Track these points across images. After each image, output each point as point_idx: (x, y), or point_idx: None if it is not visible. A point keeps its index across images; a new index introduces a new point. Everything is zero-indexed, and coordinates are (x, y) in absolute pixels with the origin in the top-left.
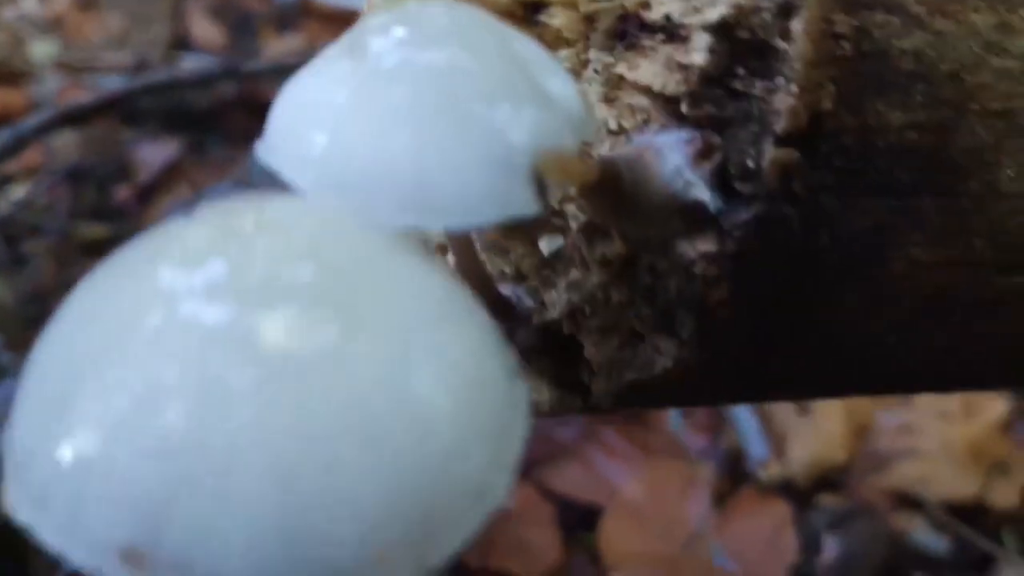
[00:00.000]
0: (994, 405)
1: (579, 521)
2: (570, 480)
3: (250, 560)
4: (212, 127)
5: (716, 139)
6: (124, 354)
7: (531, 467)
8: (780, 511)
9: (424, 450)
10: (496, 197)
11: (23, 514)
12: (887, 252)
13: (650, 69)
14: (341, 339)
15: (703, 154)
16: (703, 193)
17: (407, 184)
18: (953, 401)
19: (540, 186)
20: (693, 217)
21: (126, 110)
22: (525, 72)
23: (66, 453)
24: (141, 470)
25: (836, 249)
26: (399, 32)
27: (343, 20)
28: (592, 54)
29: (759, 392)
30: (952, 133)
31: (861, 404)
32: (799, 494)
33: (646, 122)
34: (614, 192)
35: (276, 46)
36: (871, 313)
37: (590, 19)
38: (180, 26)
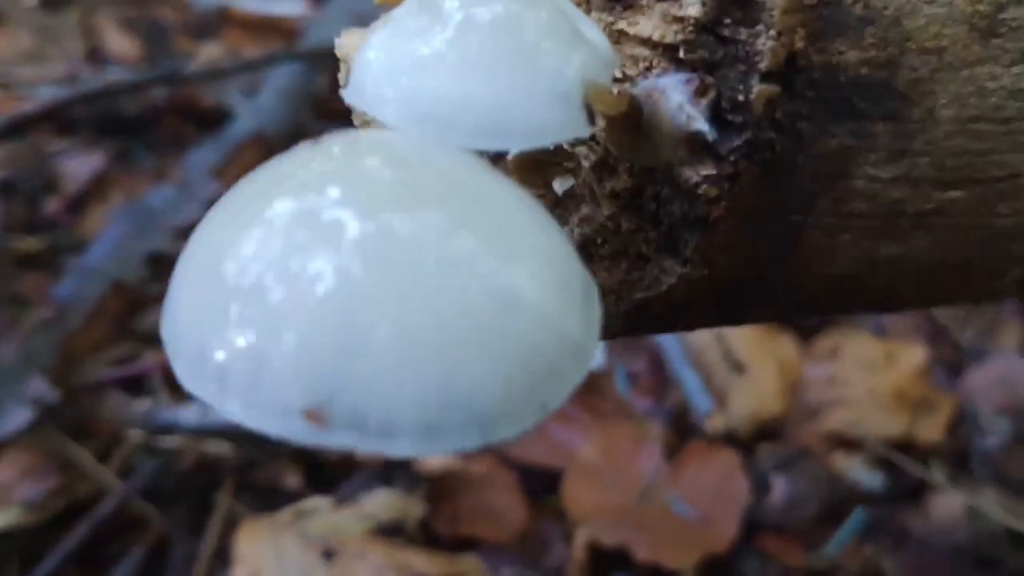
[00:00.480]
0: (913, 353)
1: (542, 486)
2: (528, 448)
3: (416, 412)
4: (143, 133)
5: (710, 79)
6: (283, 247)
7: None
8: (728, 459)
9: (541, 322)
10: (558, 123)
11: (202, 393)
12: (850, 169)
13: (648, 23)
14: (474, 240)
15: (700, 92)
16: (702, 124)
17: (485, 114)
18: (875, 352)
19: (589, 114)
20: (694, 145)
21: (57, 121)
22: (567, 19)
23: (240, 337)
24: (311, 342)
25: (810, 167)
26: None
27: (264, 26)
28: (594, 14)
29: (751, 310)
30: (897, 68)
31: (791, 359)
32: (743, 444)
33: (648, 69)
34: (636, 123)
35: (193, 55)
36: (839, 225)
37: None
38: (93, 40)
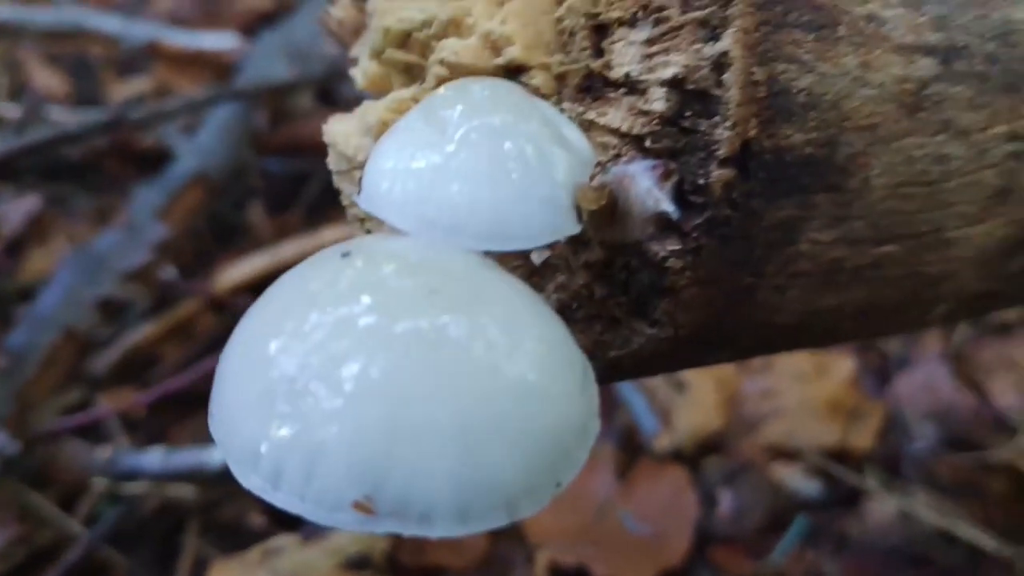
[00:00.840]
0: (843, 364)
1: None
2: None
3: (452, 499)
4: (81, 175)
5: (673, 165)
6: (326, 355)
7: None
8: (677, 475)
9: (552, 409)
10: (553, 225)
11: (255, 488)
12: (795, 236)
13: (616, 115)
14: (489, 338)
15: (665, 176)
16: (668, 206)
17: (488, 220)
18: (806, 364)
19: (578, 212)
20: (661, 223)
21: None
22: (551, 126)
23: (292, 438)
24: (358, 441)
25: (761, 236)
26: (460, 106)
27: (194, 61)
28: (565, 105)
29: (709, 356)
30: (836, 145)
31: (728, 375)
32: (689, 459)
33: (617, 156)
34: (612, 209)
35: (121, 90)
36: (786, 283)
37: (561, 78)
38: (19, 75)
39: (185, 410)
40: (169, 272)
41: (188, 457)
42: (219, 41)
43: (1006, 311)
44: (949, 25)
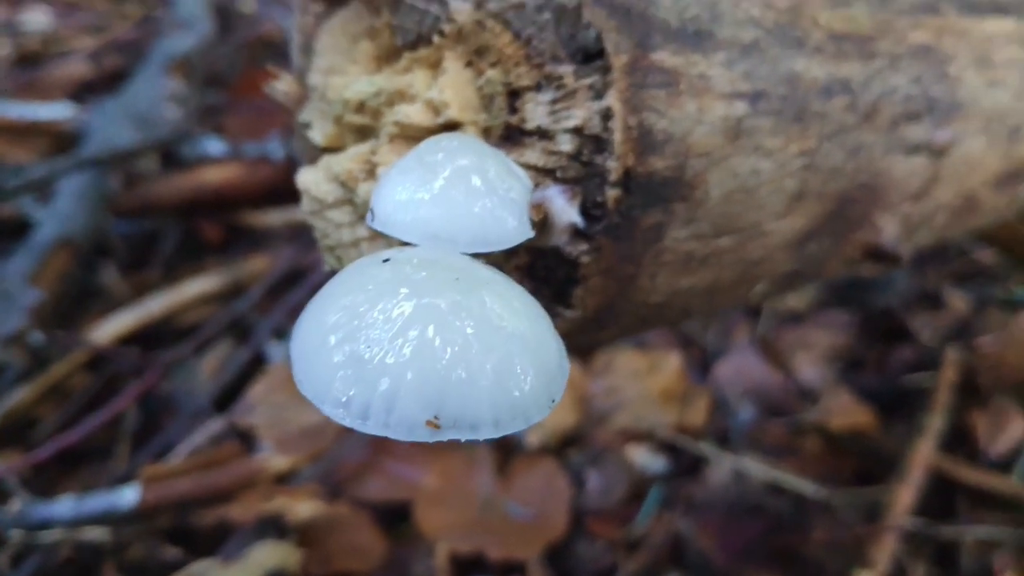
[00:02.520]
0: (670, 359)
1: (394, 518)
2: (375, 489)
3: (490, 414)
4: None
5: (578, 189)
6: (391, 327)
7: (341, 487)
8: (549, 465)
9: (544, 353)
10: (517, 232)
11: (350, 423)
12: (662, 234)
13: (533, 154)
14: (498, 308)
15: (573, 197)
16: (577, 218)
17: (473, 232)
18: (640, 363)
19: (532, 223)
20: (572, 231)
21: None
22: (503, 163)
23: (375, 385)
24: (422, 382)
25: (639, 236)
26: (440, 154)
27: (30, 131)
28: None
29: (603, 334)
30: (684, 168)
31: (576, 379)
32: (555, 452)
33: (536, 184)
34: (543, 222)
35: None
36: (656, 271)
37: (487, 131)
38: None
39: (67, 466)
40: (36, 337)
41: (100, 501)
42: (55, 111)
43: (796, 302)
44: (753, 77)
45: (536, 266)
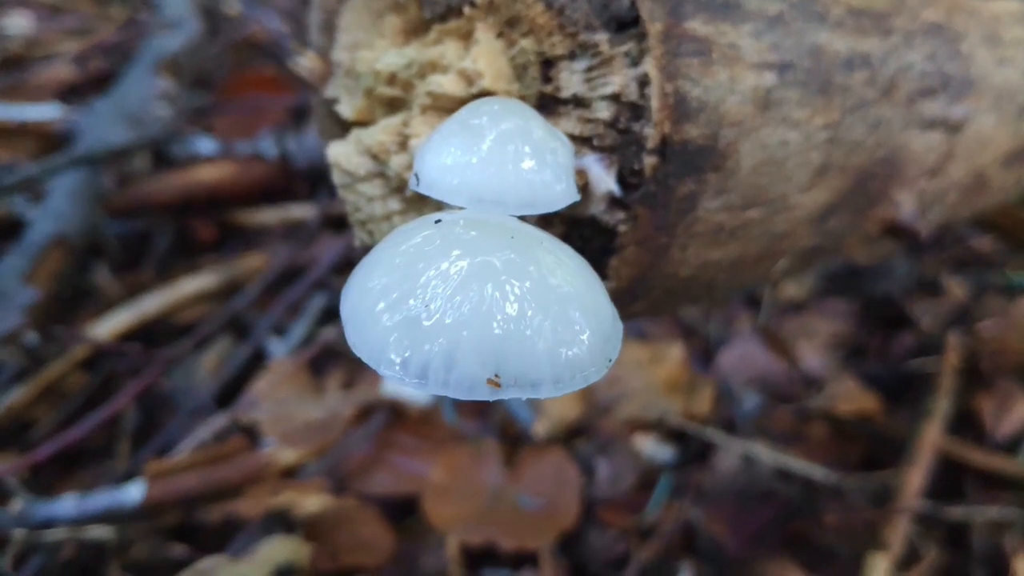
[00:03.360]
0: (673, 349)
1: (401, 512)
2: (381, 483)
3: (549, 372)
4: None
5: (615, 157)
6: (448, 288)
7: (348, 482)
8: (557, 454)
9: (601, 314)
10: (564, 194)
11: (409, 383)
12: (695, 204)
13: (568, 123)
14: (546, 259)
15: (610, 166)
16: (614, 186)
17: (520, 194)
18: (643, 354)
19: (578, 188)
20: (610, 200)
21: None
22: (548, 126)
23: (433, 346)
24: (483, 339)
25: (674, 206)
26: (484, 116)
27: (18, 133)
28: None
29: (634, 305)
30: (718, 137)
31: None
32: (563, 443)
33: (573, 153)
34: (585, 187)
35: None
36: (688, 242)
37: (521, 100)
38: None
39: (66, 467)
40: (31, 337)
41: (104, 499)
42: (43, 112)
43: (796, 291)
44: (780, 48)
45: (571, 236)
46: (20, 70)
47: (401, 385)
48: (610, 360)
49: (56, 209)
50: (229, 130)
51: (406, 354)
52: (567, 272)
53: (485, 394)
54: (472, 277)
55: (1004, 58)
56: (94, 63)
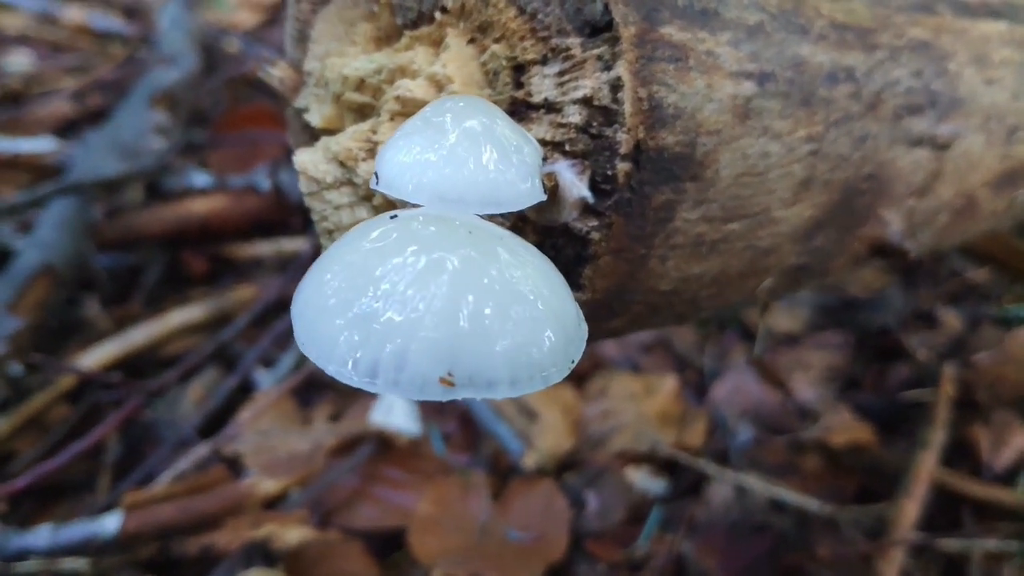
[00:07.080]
0: (666, 381)
1: (387, 546)
2: (367, 516)
3: (506, 373)
4: None
5: (587, 162)
6: (399, 285)
7: (331, 515)
8: (547, 486)
9: (563, 312)
10: (529, 194)
11: (357, 383)
12: (673, 214)
13: (540, 129)
14: (513, 265)
15: (583, 171)
16: (585, 192)
17: (483, 193)
18: (636, 386)
19: (543, 187)
20: (583, 207)
21: None
22: (513, 124)
23: (383, 346)
24: (435, 339)
25: (651, 215)
26: (448, 114)
27: (11, 165)
28: None
29: (610, 322)
30: (695, 145)
31: (570, 403)
32: (553, 475)
33: (544, 159)
34: (554, 191)
35: None
36: (667, 254)
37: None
38: None
39: (46, 499)
40: (15, 368)
41: (79, 529)
42: (37, 145)
43: (791, 324)
44: (759, 58)
45: (544, 245)
46: (18, 106)
47: (351, 384)
48: (573, 361)
49: (44, 239)
50: (224, 165)
51: (356, 353)
52: (528, 270)
53: (437, 394)
54: (428, 273)
55: (992, 78)
56: (92, 99)
